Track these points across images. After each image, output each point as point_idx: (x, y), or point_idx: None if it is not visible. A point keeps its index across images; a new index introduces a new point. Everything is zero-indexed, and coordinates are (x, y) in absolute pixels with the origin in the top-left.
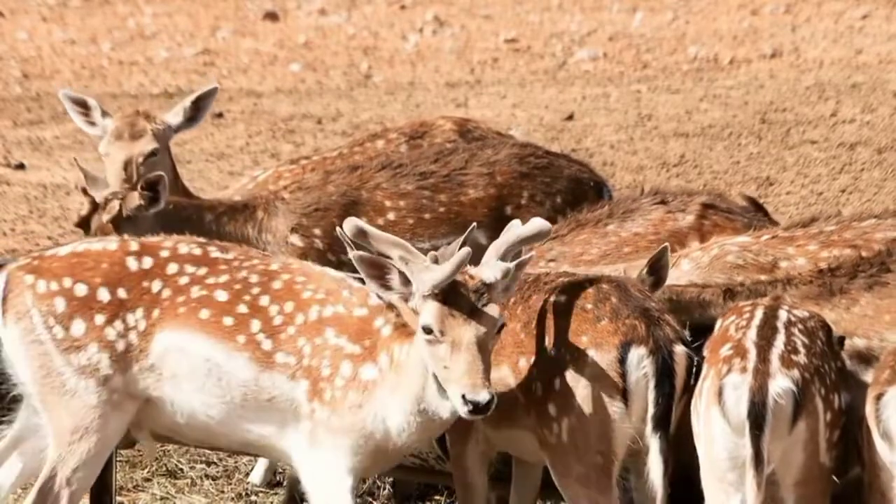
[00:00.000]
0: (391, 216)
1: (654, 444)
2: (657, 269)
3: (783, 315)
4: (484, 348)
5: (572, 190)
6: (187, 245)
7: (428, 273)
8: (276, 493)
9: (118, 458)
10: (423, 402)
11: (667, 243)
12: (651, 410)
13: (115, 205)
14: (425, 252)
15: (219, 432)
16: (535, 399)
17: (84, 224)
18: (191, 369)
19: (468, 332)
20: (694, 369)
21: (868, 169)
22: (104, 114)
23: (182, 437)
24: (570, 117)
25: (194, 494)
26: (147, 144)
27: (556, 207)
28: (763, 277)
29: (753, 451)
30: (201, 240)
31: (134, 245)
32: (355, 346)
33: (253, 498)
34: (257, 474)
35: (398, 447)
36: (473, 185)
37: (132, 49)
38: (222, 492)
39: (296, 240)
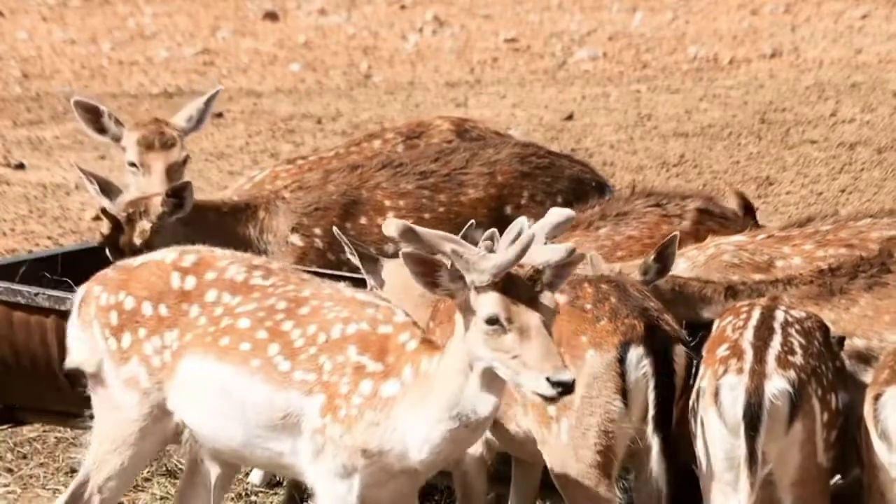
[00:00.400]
0: (391, 216)
1: (655, 444)
2: (664, 258)
3: (780, 315)
4: (549, 334)
5: (574, 190)
6: (236, 268)
7: (487, 261)
8: (276, 493)
9: None
10: (457, 407)
11: (676, 232)
12: (651, 411)
13: (147, 227)
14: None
15: (244, 453)
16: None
17: (110, 242)
18: (208, 394)
19: (534, 316)
20: (693, 369)
21: (868, 169)
22: (117, 122)
23: (219, 457)
24: (570, 117)
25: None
26: (181, 152)
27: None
28: (763, 277)
29: (748, 452)
30: (254, 261)
31: (186, 260)
32: (377, 363)
33: (253, 498)
34: (257, 474)
35: (415, 464)
36: (474, 184)
37: (132, 49)
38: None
39: (296, 239)
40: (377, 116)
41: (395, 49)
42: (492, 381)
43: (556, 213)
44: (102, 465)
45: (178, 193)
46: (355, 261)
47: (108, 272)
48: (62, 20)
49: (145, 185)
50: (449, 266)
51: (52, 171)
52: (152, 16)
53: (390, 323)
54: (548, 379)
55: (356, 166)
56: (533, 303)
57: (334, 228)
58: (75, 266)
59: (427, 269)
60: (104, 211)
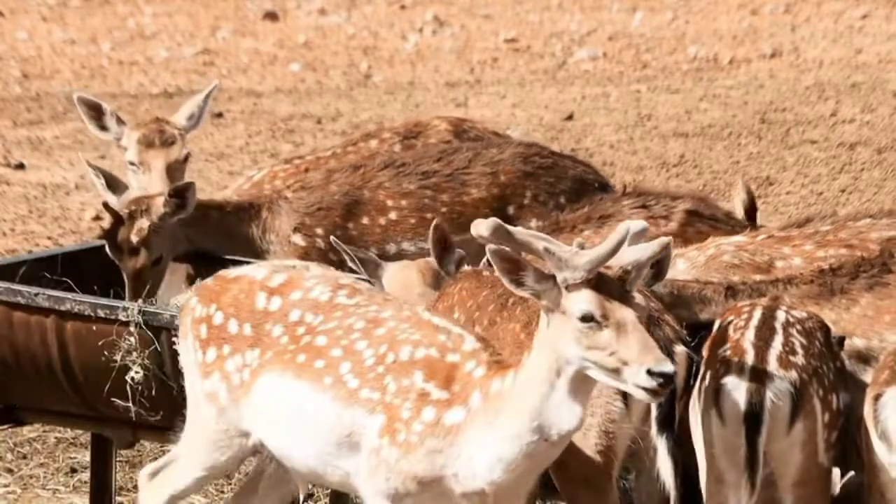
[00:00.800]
0: (393, 215)
1: (661, 445)
2: (658, 262)
3: (781, 316)
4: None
5: (576, 190)
6: (321, 288)
7: (581, 257)
8: None
9: (118, 458)
10: (539, 418)
11: (670, 237)
12: (654, 412)
13: (145, 225)
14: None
15: (318, 472)
16: None
17: (109, 237)
18: (283, 412)
19: (629, 311)
20: (693, 369)
21: (868, 169)
22: (119, 120)
23: (297, 476)
24: (570, 117)
25: (194, 494)
26: (181, 150)
27: (560, 207)
28: (763, 277)
29: (749, 453)
30: (341, 280)
31: (275, 280)
32: (442, 391)
33: None
34: None
35: (483, 485)
36: (476, 184)
37: (132, 49)
38: (222, 492)
39: (298, 239)
40: (377, 116)
41: (395, 49)
42: (579, 388)
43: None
44: (181, 464)
45: (180, 194)
46: (356, 267)
47: (207, 282)
48: (62, 20)
49: (146, 184)
50: (533, 267)
51: (52, 171)
52: (152, 16)
53: (458, 351)
54: (649, 371)
55: (358, 166)
56: (625, 299)
57: (332, 238)
58: (75, 266)
59: (513, 268)
60: (106, 206)
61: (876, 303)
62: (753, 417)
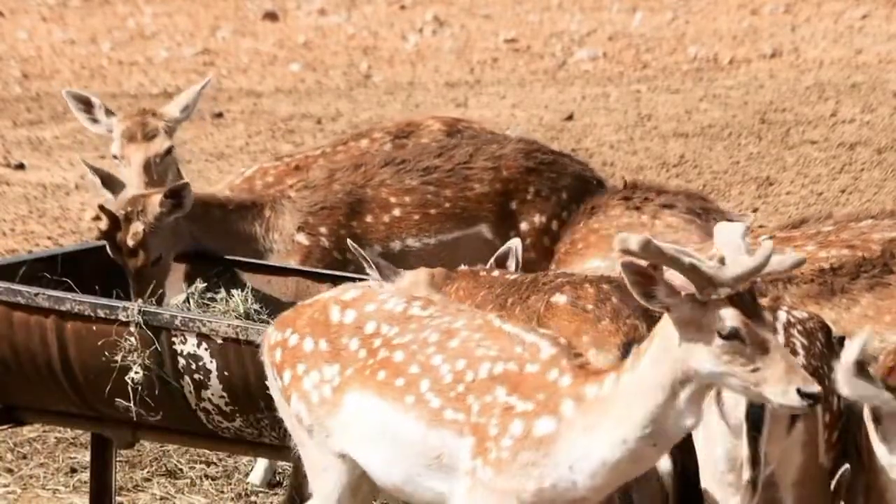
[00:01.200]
0: (397, 212)
1: None
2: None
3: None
4: None
5: (578, 187)
6: (396, 299)
7: (727, 273)
8: (276, 494)
9: (118, 458)
10: (654, 424)
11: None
12: None
13: (139, 229)
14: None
15: (409, 493)
16: None
17: (108, 238)
18: (369, 431)
19: (769, 327)
20: None
21: (868, 169)
22: (108, 112)
23: (392, 495)
24: (570, 117)
25: (194, 494)
26: (163, 143)
27: (562, 203)
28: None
29: (750, 453)
30: (415, 293)
31: (349, 294)
32: (527, 403)
33: (253, 498)
34: (257, 474)
35: (584, 492)
36: (479, 179)
37: (132, 49)
38: (222, 492)
39: (302, 238)
40: (377, 116)
41: (395, 49)
42: (700, 395)
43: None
44: (316, 501)
45: (176, 195)
46: (374, 274)
47: (286, 312)
48: (62, 20)
49: (126, 177)
50: (665, 281)
51: (52, 171)
52: (152, 16)
53: (537, 361)
54: (799, 390)
55: (359, 164)
56: (760, 314)
57: (349, 241)
58: (75, 266)
59: (645, 282)
60: (102, 207)
61: (876, 303)
62: (755, 418)
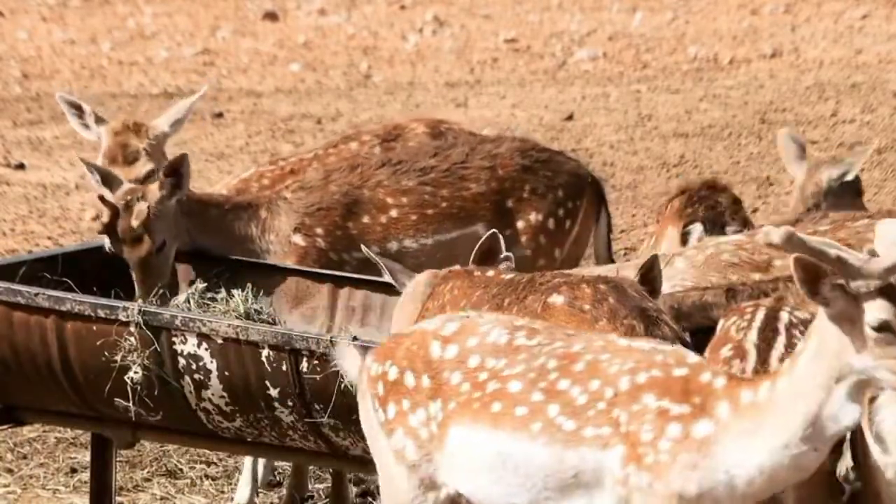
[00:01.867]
0: (394, 213)
1: None
2: (650, 280)
3: (785, 317)
4: None
5: (573, 184)
6: (499, 331)
7: (877, 265)
8: (276, 493)
9: (118, 458)
10: (812, 426)
11: (656, 252)
12: None
13: (143, 208)
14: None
15: None
16: None
17: (109, 231)
18: (486, 465)
19: None
20: None
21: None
22: (98, 119)
23: None
24: (570, 117)
25: (194, 494)
26: (143, 167)
27: (558, 201)
28: (762, 276)
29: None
30: (515, 322)
31: (449, 328)
32: (682, 406)
33: (253, 498)
34: (257, 474)
35: (739, 500)
36: (475, 178)
37: (132, 49)
38: (222, 492)
39: (298, 239)
40: (377, 116)
41: (395, 49)
42: (858, 392)
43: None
44: None
45: (175, 170)
46: (388, 278)
47: (382, 343)
48: (62, 20)
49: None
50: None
51: (52, 171)
52: (152, 16)
53: (684, 365)
54: None
55: (355, 165)
56: None
57: (363, 247)
58: (75, 266)
59: (812, 277)
60: (102, 198)
61: None
62: None
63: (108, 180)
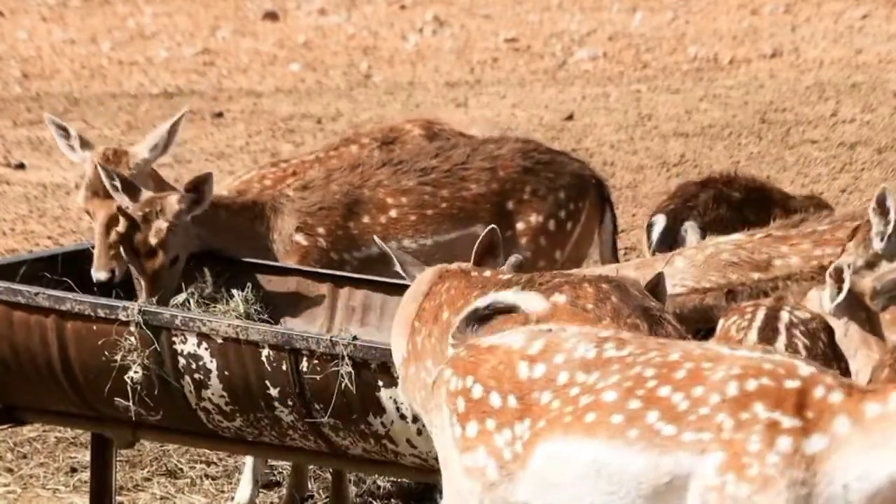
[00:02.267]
0: (393, 213)
1: None
2: (655, 295)
3: (785, 316)
4: None
5: (575, 185)
6: (585, 345)
7: None
8: (276, 493)
9: (118, 458)
10: None
11: (663, 270)
12: None
13: (163, 227)
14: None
15: None
16: None
17: (125, 241)
18: (578, 476)
19: None
20: None
21: (868, 169)
22: (83, 144)
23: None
24: (570, 117)
25: (194, 494)
26: (122, 200)
27: (560, 202)
28: (761, 275)
29: None
30: (601, 334)
31: (535, 347)
32: (794, 419)
33: (254, 498)
34: (243, 494)
35: None
36: (476, 179)
37: (132, 49)
38: (222, 492)
39: (300, 238)
40: (377, 116)
41: (395, 49)
42: None
43: None
44: None
45: (197, 187)
46: (399, 269)
47: (459, 353)
48: (62, 20)
49: (95, 230)
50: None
51: (52, 171)
52: (152, 16)
53: (796, 377)
54: None
55: (356, 165)
56: None
57: (375, 237)
58: (75, 266)
59: None
60: (120, 209)
61: None
62: None
63: (129, 188)
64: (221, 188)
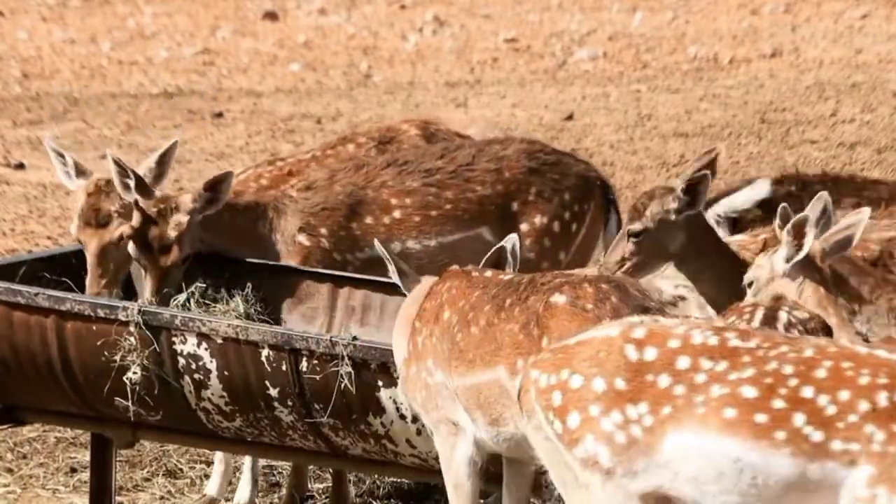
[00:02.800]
0: (397, 214)
1: None
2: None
3: (783, 316)
4: None
5: (581, 187)
6: (701, 333)
7: None
8: (276, 493)
9: (118, 458)
10: None
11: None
12: None
13: (183, 220)
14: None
15: None
16: None
17: (139, 236)
18: (718, 473)
19: None
20: None
21: (868, 169)
22: (79, 172)
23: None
24: (570, 117)
25: (194, 494)
26: (115, 230)
27: (565, 204)
28: None
29: None
30: (717, 324)
31: (638, 332)
32: None
33: (253, 498)
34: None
35: None
36: (481, 181)
37: (132, 49)
38: None
39: (303, 238)
40: (377, 116)
41: (395, 49)
42: None
43: None
44: None
45: (216, 186)
46: (395, 278)
47: (543, 356)
48: (62, 20)
49: (87, 260)
50: None
51: (52, 171)
52: (152, 16)
53: None
54: None
55: (361, 165)
56: None
57: (376, 242)
58: (76, 266)
59: None
60: (136, 204)
61: None
62: None
63: (143, 188)
64: None
